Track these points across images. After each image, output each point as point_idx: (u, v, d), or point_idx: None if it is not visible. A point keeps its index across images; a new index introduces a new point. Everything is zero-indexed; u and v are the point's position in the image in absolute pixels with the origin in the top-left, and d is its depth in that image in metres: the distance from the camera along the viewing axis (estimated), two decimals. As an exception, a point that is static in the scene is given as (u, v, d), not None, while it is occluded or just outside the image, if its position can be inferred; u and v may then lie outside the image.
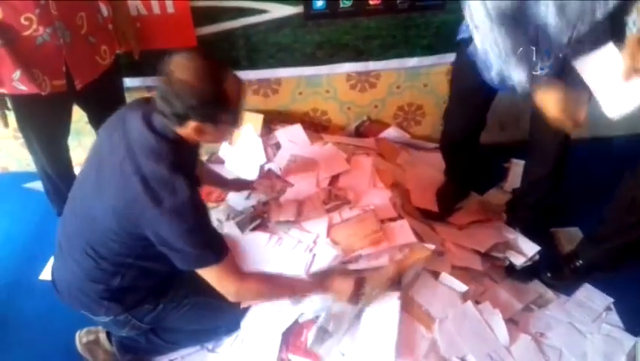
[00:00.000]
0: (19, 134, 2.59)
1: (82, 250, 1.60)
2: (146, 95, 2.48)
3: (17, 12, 1.71)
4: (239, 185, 2.21)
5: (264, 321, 1.83)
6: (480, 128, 2.20)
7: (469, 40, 1.74)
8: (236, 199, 2.19)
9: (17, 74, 1.79)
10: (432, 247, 1.89)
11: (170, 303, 1.75)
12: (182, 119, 1.40)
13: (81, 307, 1.71)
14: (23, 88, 1.82)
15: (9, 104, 1.93)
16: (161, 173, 1.41)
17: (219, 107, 1.40)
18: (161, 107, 1.40)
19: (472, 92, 1.98)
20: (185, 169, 1.47)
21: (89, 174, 1.58)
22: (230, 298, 1.61)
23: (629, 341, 1.94)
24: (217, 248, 1.53)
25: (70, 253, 1.66)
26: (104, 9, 2.06)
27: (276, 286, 1.73)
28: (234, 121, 1.48)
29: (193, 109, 1.37)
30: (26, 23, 1.73)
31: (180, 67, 1.36)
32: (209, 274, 1.55)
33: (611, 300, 2.06)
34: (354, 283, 1.73)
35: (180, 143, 1.47)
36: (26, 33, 1.74)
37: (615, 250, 2.06)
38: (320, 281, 1.74)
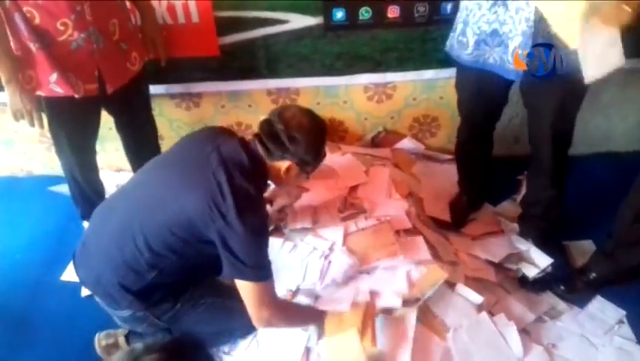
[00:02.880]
0: (44, 139, 2.68)
1: (131, 239, 1.63)
2: (169, 101, 2.56)
3: (54, 17, 1.76)
4: None
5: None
6: (496, 119, 2.22)
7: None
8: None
9: (54, 76, 1.84)
10: (446, 275, 1.88)
11: (187, 302, 1.78)
12: (282, 158, 1.63)
13: (104, 296, 1.73)
14: (59, 90, 1.87)
15: (43, 107, 1.97)
16: (250, 192, 1.58)
17: (316, 161, 1.69)
18: (267, 142, 1.62)
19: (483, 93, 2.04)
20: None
21: (170, 170, 1.68)
22: (259, 322, 1.67)
23: (641, 353, 1.93)
24: (267, 270, 1.63)
25: (110, 243, 1.68)
26: (133, 17, 2.11)
27: (302, 317, 1.85)
28: (307, 176, 1.75)
29: (296, 154, 1.61)
30: (62, 28, 1.78)
31: (303, 117, 1.63)
32: (252, 291, 1.61)
33: (624, 313, 2.05)
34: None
35: (266, 173, 1.68)
36: (61, 38, 1.80)
37: (628, 264, 2.07)
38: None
